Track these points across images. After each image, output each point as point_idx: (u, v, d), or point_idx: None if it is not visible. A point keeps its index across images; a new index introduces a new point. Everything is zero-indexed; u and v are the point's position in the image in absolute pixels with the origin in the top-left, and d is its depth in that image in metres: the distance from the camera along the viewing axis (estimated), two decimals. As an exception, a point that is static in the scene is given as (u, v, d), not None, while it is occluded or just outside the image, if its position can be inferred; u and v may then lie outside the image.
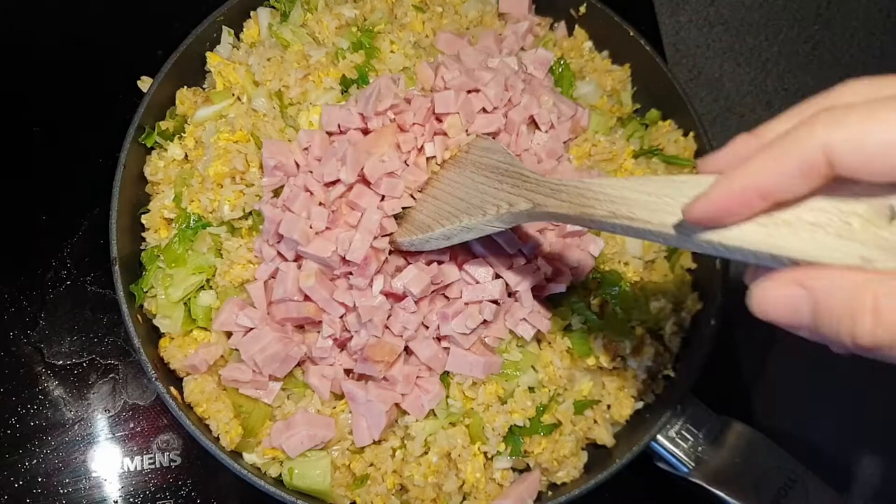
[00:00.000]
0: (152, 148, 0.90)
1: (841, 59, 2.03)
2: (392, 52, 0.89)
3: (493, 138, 0.86)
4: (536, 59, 0.91)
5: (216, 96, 0.89)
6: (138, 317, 0.82)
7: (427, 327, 0.78)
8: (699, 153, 0.96)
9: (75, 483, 0.91)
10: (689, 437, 0.84)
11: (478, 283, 0.78)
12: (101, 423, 0.94)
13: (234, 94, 0.89)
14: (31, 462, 0.91)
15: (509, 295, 0.81)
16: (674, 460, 0.83)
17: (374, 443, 0.79)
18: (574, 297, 0.85)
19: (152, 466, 0.92)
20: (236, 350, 0.79)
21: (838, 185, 0.40)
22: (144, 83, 0.93)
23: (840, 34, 2.03)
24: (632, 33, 0.98)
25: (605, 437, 0.85)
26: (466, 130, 0.82)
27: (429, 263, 0.78)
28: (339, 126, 0.81)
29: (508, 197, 0.65)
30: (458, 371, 0.79)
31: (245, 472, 0.77)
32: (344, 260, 0.75)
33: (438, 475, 0.79)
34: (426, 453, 0.80)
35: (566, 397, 0.83)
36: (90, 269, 1.00)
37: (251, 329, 0.78)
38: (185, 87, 0.91)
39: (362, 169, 0.76)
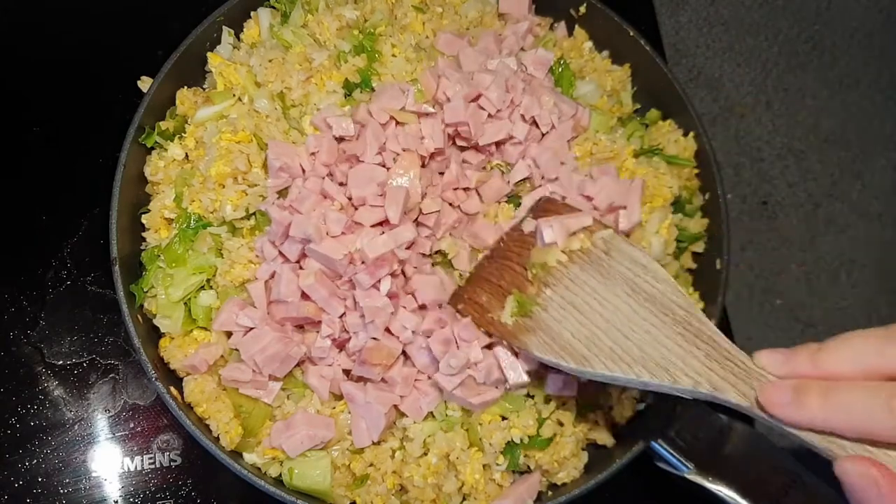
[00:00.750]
0: (152, 148, 0.90)
1: (841, 59, 2.03)
2: (394, 55, 0.89)
3: (502, 147, 0.86)
4: (536, 60, 0.91)
5: (217, 97, 0.89)
6: (138, 317, 0.82)
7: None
8: (699, 153, 0.96)
9: (75, 483, 0.91)
10: (689, 437, 0.83)
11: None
12: (102, 423, 0.94)
13: (234, 95, 0.89)
14: (31, 462, 0.91)
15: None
16: (674, 460, 0.83)
17: (374, 443, 0.79)
18: None
19: (152, 466, 0.92)
20: (236, 350, 0.79)
21: None
22: (144, 83, 0.93)
23: (840, 34, 2.03)
24: (632, 33, 0.98)
25: (605, 437, 0.85)
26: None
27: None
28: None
29: (709, 375, 0.59)
30: (454, 402, 0.79)
31: (245, 472, 0.77)
32: (352, 262, 0.75)
33: (438, 476, 0.79)
34: (425, 454, 0.80)
35: (570, 406, 0.83)
36: (90, 269, 1.00)
37: (251, 329, 0.78)
38: (186, 87, 0.91)
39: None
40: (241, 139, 0.84)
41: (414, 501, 0.80)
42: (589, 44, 1.02)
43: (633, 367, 0.62)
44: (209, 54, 0.92)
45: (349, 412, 0.80)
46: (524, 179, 0.86)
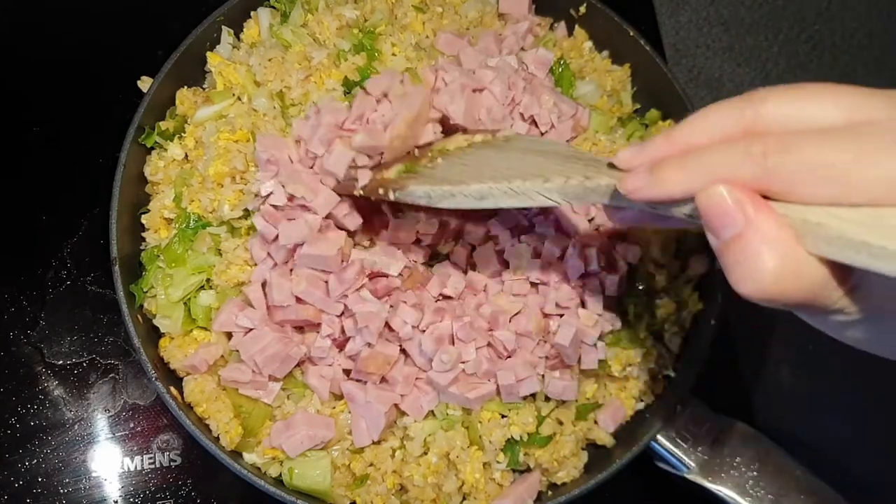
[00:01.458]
0: (152, 148, 0.90)
1: (841, 59, 2.03)
2: (394, 54, 0.89)
3: None
4: (536, 59, 0.91)
5: (216, 96, 0.89)
6: (138, 317, 0.82)
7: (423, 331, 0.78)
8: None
9: (75, 483, 0.91)
10: (689, 436, 0.84)
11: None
12: (101, 423, 0.94)
13: (234, 94, 0.89)
14: (31, 462, 0.91)
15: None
16: (674, 460, 0.83)
17: (374, 443, 0.79)
18: None
19: (152, 466, 0.92)
20: (236, 350, 0.79)
21: None
22: (144, 83, 0.93)
23: (840, 34, 2.03)
24: (632, 33, 0.98)
25: (604, 437, 0.85)
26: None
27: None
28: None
29: (583, 170, 0.57)
30: (452, 402, 0.79)
31: (245, 471, 0.77)
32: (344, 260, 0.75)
33: (438, 475, 0.79)
34: (425, 454, 0.80)
35: (569, 405, 0.83)
36: (90, 269, 1.00)
37: (251, 330, 0.78)
38: (185, 87, 0.91)
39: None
40: (238, 138, 0.84)
41: (414, 501, 0.80)
42: (589, 44, 1.02)
43: (509, 179, 0.60)
44: (209, 54, 0.93)
45: (349, 412, 0.80)
46: None
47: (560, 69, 0.95)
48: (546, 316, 0.80)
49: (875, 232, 0.36)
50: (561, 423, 0.83)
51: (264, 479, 0.78)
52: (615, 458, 0.82)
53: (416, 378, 0.79)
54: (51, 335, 0.97)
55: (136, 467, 0.92)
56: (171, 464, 0.92)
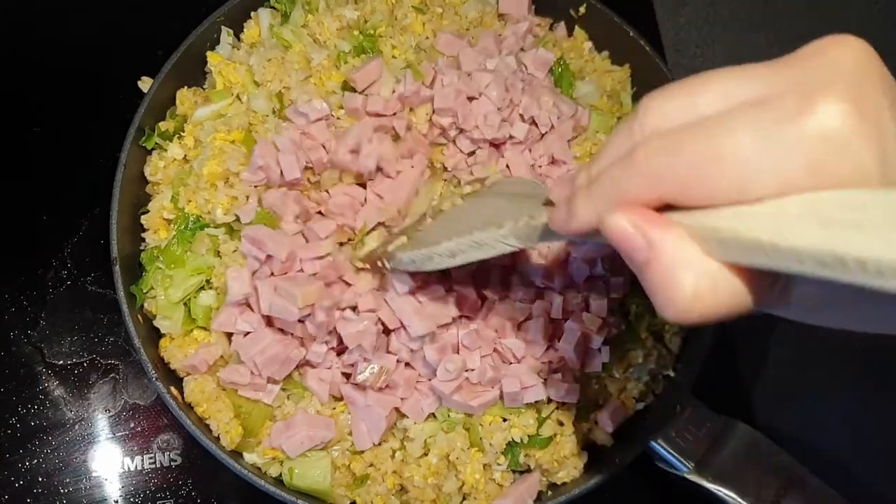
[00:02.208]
0: (153, 148, 0.90)
1: (841, 59, 2.03)
2: (394, 56, 0.89)
3: (501, 147, 0.86)
4: (536, 60, 0.91)
5: (215, 95, 0.89)
6: (138, 317, 0.82)
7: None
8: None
9: (76, 483, 0.91)
10: (689, 437, 0.84)
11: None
12: (102, 423, 0.94)
13: (233, 94, 0.89)
14: (31, 462, 0.91)
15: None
16: (674, 460, 0.83)
17: (374, 445, 0.79)
18: None
19: (152, 466, 0.92)
20: (236, 351, 0.79)
21: None
22: (144, 83, 0.93)
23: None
24: (632, 33, 0.98)
25: (604, 437, 0.85)
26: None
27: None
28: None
29: (530, 210, 0.56)
30: (456, 408, 0.79)
31: (245, 471, 0.77)
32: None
33: (438, 476, 0.79)
34: (426, 455, 0.80)
35: (570, 406, 0.83)
36: (90, 269, 0.99)
37: (250, 332, 0.78)
38: (186, 87, 0.91)
39: None
40: (234, 138, 0.84)
41: (414, 501, 0.80)
42: (589, 44, 1.02)
43: (471, 232, 0.60)
44: (209, 54, 0.93)
45: (349, 412, 0.80)
46: None
47: (560, 69, 0.95)
48: (552, 321, 0.80)
49: (769, 228, 0.32)
50: (561, 423, 0.83)
51: (264, 479, 0.78)
52: (615, 458, 0.82)
53: (417, 381, 0.79)
54: (51, 335, 0.96)
55: (136, 467, 0.92)
56: (172, 464, 0.92)
